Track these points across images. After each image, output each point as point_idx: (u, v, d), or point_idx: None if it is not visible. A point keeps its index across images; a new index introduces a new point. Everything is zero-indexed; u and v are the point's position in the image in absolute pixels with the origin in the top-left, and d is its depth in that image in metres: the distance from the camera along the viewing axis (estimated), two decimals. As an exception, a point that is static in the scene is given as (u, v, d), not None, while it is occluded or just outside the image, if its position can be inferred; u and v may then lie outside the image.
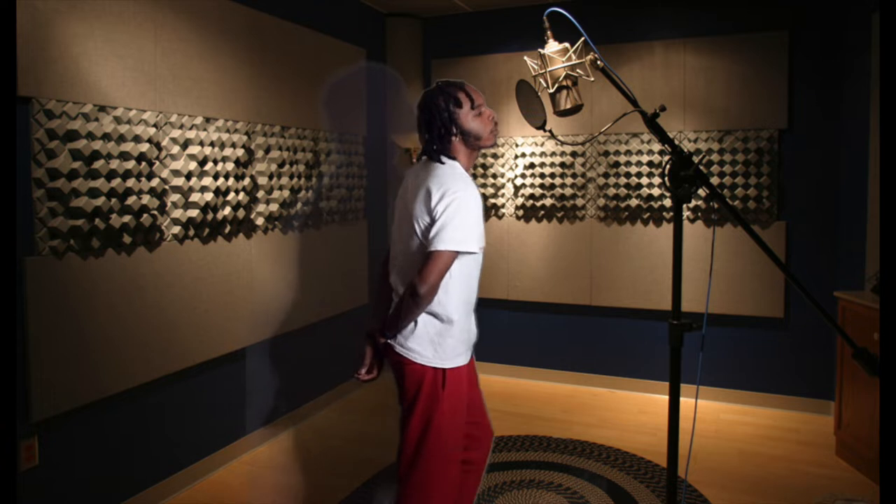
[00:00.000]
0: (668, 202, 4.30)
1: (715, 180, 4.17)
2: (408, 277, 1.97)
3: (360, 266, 4.51)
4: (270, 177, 3.54)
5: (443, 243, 1.85)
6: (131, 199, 2.69)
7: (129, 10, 2.69)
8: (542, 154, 4.61)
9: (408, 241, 1.98)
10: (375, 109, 4.69)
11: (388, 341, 2.03)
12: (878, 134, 3.55)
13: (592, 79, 1.82)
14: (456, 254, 1.89)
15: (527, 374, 4.80)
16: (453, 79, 2.07)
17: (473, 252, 1.94)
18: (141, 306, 2.78)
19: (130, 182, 2.68)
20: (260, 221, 3.47)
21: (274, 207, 3.56)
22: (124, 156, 2.65)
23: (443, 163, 1.98)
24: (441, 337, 1.97)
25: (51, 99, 2.38)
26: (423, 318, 1.97)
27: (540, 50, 1.88)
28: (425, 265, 1.86)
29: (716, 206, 4.19)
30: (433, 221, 1.88)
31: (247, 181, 3.34)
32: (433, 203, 1.89)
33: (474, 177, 4.80)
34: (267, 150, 3.51)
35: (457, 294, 1.98)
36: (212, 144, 3.11)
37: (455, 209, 1.86)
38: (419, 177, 1.99)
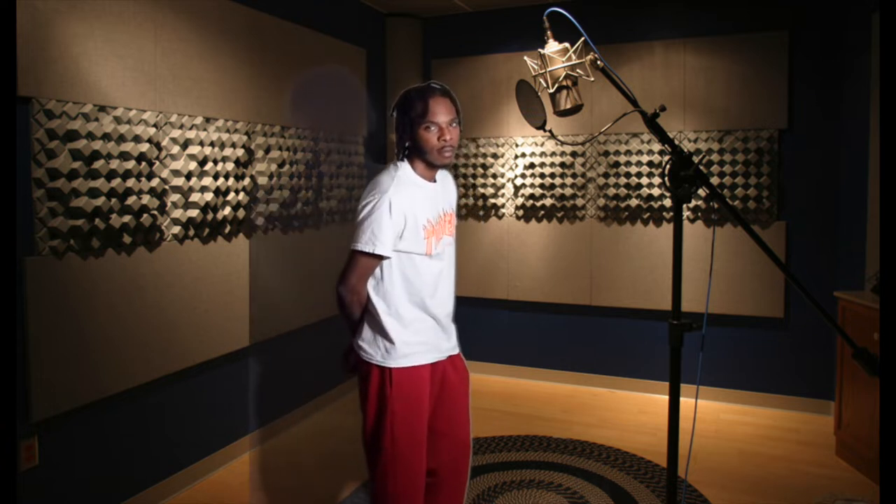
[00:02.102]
0: (668, 202, 4.30)
1: (715, 180, 4.17)
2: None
3: (360, 266, 4.50)
4: (270, 177, 3.53)
5: (353, 243, 1.94)
6: (131, 199, 2.69)
7: (129, 10, 2.69)
8: (542, 154, 4.61)
9: None
10: (375, 109, 4.69)
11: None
12: (878, 134, 3.55)
13: (592, 79, 1.82)
14: (373, 255, 1.92)
15: (527, 374, 4.80)
16: (437, 83, 2.03)
17: (384, 256, 1.94)
18: (141, 306, 2.78)
19: (130, 182, 2.68)
20: (260, 221, 3.47)
21: (274, 207, 3.56)
22: (124, 156, 2.65)
23: (393, 164, 2.04)
24: (384, 337, 2.00)
25: (51, 99, 2.38)
26: (368, 318, 2.03)
27: (540, 50, 1.88)
28: (345, 264, 1.96)
29: (716, 206, 4.19)
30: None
31: (247, 181, 3.34)
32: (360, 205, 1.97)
33: (473, 176, 4.80)
34: (267, 150, 3.51)
35: (397, 295, 2.00)
36: (212, 144, 3.11)
37: (369, 210, 1.91)
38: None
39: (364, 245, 1.91)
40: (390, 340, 1.99)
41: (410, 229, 1.95)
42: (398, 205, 1.91)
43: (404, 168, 2.01)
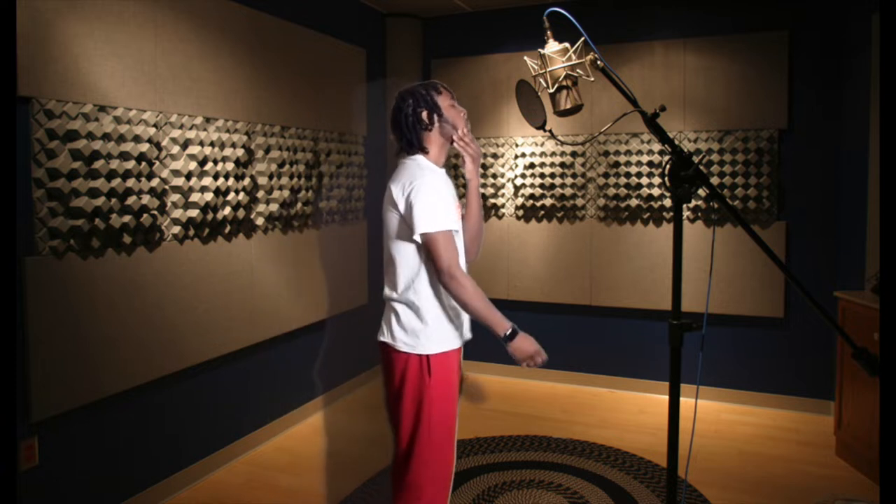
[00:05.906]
0: (668, 202, 4.30)
1: (715, 180, 4.17)
2: (388, 278, 2.07)
3: (360, 266, 4.51)
4: (270, 177, 3.53)
5: (426, 225, 1.91)
6: (131, 199, 2.69)
7: (129, 10, 2.69)
8: (542, 154, 4.61)
9: (386, 243, 2.08)
10: (375, 109, 4.69)
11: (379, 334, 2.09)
12: (878, 134, 3.55)
13: (592, 79, 1.82)
14: (449, 231, 1.94)
15: (527, 374, 4.80)
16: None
17: (455, 229, 1.98)
18: (141, 306, 2.78)
19: (130, 182, 2.68)
20: (260, 221, 3.47)
21: (274, 207, 3.56)
22: (124, 156, 2.65)
23: (411, 157, 2.07)
24: (421, 323, 2.00)
25: (51, 99, 2.38)
26: (401, 306, 2.02)
27: (540, 50, 1.88)
28: (431, 254, 1.93)
29: (716, 206, 4.19)
30: (409, 213, 1.94)
31: (247, 181, 3.34)
32: (397, 199, 1.98)
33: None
34: (267, 150, 3.51)
35: (430, 278, 2.01)
36: (212, 144, 3.11)
37: (425, 192, 1.94)
38: (391, 180, 2.08)
39: (443, 224, 1.92)
40: (428, 326, 1.99)
41: (451, 204, 2.02)
42: (438, 184, 1.98)
43: (421, 158, 2.08)
